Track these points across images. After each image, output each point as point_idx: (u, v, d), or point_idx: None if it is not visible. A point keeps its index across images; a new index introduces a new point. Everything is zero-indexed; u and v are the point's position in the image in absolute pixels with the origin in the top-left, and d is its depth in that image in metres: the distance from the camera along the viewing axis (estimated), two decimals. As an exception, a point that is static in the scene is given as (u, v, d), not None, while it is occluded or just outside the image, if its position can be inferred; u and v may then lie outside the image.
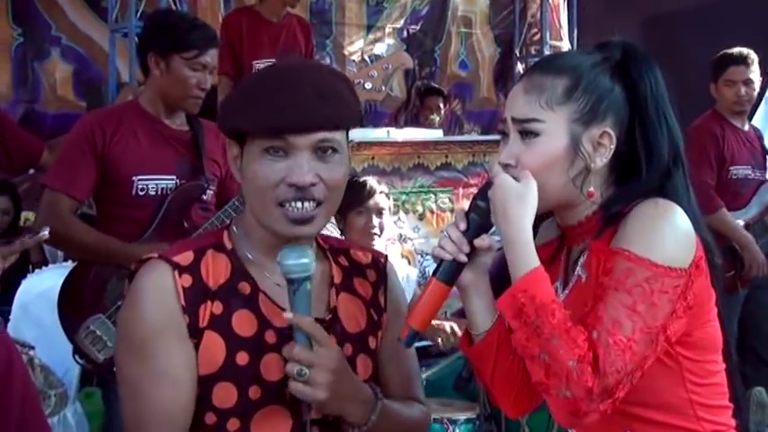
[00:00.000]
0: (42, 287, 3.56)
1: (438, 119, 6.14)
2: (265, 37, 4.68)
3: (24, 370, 1.60)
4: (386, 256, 1.64)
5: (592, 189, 1.43)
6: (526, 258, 1.35)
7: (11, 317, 3.56)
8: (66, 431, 3.27)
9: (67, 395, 3.33)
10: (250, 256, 1.47)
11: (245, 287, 1.45)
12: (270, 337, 1.43)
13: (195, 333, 1.41)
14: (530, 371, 1.34)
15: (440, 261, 1.42)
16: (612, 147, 1.43)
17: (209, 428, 1.42)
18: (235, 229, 1.50)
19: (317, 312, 1.44)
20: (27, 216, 4.58)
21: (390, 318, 1.57)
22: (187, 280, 1.42)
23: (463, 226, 1.41)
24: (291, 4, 4.80)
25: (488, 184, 1.42)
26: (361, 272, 1.57)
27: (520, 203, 1.36)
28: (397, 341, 1.47)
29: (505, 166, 1.42)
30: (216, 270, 1.45)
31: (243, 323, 1.43)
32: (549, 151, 1.41)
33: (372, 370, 1.54)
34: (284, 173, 1.38)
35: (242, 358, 1.41)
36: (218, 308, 1.42)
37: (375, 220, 3.18)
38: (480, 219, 1.41)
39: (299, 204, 1.39)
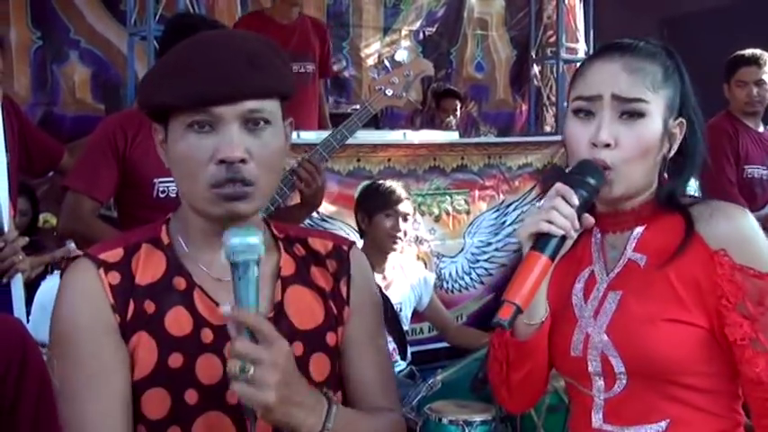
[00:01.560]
0: (61, 288, 3.59)
1: (454, 121, 6.16)
2: (275, 40, 4.68)
3: (39, 356, 1.64)
4: (351, 243, 1.50)
5: (665, 175, 1.45)
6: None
7: (30, 317, 3.58)
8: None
9: (86, 395, 3.36)
10: (186, 248, 1.36)
11: (180, 283, 1.34)
12: (206, 336, 1.32)
13: (125, 333, 1.31)
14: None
15: (541, 235, 1.32)
16: (681, 137, 1.44)
17: (200, 409, 1.31)
18: (173, 221, 1.40)
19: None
20: (45, 217, 4.62)
21: (354, 310, 1.44)
22: (114, 277, 1.32)
23: (576, 201, 1.33)
24: (294, 2, 4.75)
25: (587, 162, 1.38)
26: (320, 261, 1.43)
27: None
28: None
29: (601, 147, 1.37)
30: (149, 266, 1.35)
31: (177, 322, 1.32)
32: (650, 133, 1.39)
33: (331, 369, 1.40)
34: (212, 150, 1.27)
35: (175, 360, 1.30)
36: (150, 306, 1.32)
37: (401, 225, 3.33)
38: (589, 196, 1.36)
39: (229, 188, 1.27)
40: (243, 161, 1.27)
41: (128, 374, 1.30)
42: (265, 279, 1.35)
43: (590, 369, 1.43)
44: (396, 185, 3.46)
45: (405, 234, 3.40)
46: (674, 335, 1.35)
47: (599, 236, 1.51)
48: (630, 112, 1.39)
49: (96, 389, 1.29)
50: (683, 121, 1.44)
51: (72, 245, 2.31)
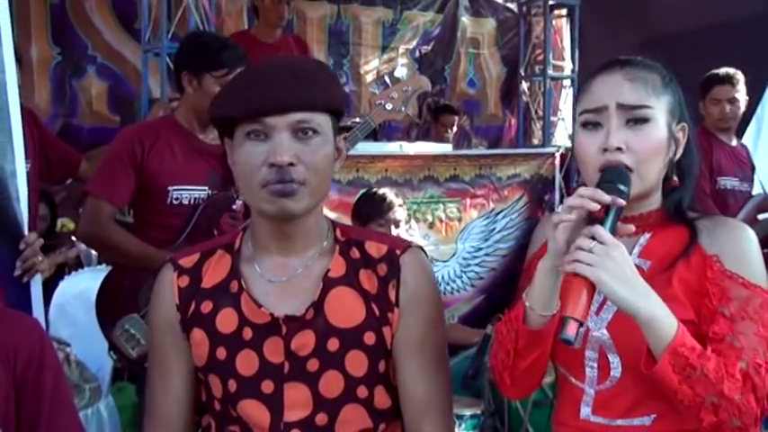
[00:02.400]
0: (77, 289, 3.60)
1: (452, 135, 6.19)
2: (260, 58, 4.66)
3: (55, 356, 1.66)
4: (406, 247, 1.48)
5: (675, 178, 1.45)
6: (667, 316, 1.29)
7: (49, 317, 3.59)
8: (99, 423, 3.29)
9: (101, 389, 3.36)
10: (252, 251, 1.46)
11: (234, 286, 1.44)
12: (246, 333, 1.41)
13: (185, 329, 1.45)
14: (699, 417, 1.29)
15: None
16: (684, 142, 1.44)
17: (218, 414, 1.46)
18: (249, 228, 1.50)
19: (294, 308, 1.41)
20: (63, 222, 4.62)
21: (404, 312, 1.43)
22: (184, 281, 1.46)
23: (607, 198, 1.31)
24: (275, 24, 4.72)
25: (611, 169, 1.36)
26: (371, 265, 1.45)
27: (634, 272, 1.29)
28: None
29: (613, 151, 1.36)
30: (216, 270, 1.46)
31: (226, 321, 1.42)
32: (657, 137, 1.39)
33: (369, 367, 1.42)
34: (265, 155, 1.35)
35: (221, 353, 1.42)
36: (207, 306, 1.44)
37: (393, 231, 3.30)
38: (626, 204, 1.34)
39: (279, 186, 1.35)
40: (291, 164, 1.35)
41: (188, 362, 1.46)
42: (312, 279, 1.43)
43: (586, 361, 1.43)
44: (388, 194, 3.43)
45: None
46: None
47: None
48: (636, 118, 1.39)
49: (161, 372, 1.49)
50: (685, 126, 1.45)
51: (82, 245, 2.32)
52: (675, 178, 1.44)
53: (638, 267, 1.38)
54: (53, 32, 5.14)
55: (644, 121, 1.39)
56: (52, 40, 5.15)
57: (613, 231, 1.31)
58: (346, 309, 1.42)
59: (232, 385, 1.41)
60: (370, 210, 3.38)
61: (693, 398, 1.27)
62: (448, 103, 6.61)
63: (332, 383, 1.41)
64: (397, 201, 3.39)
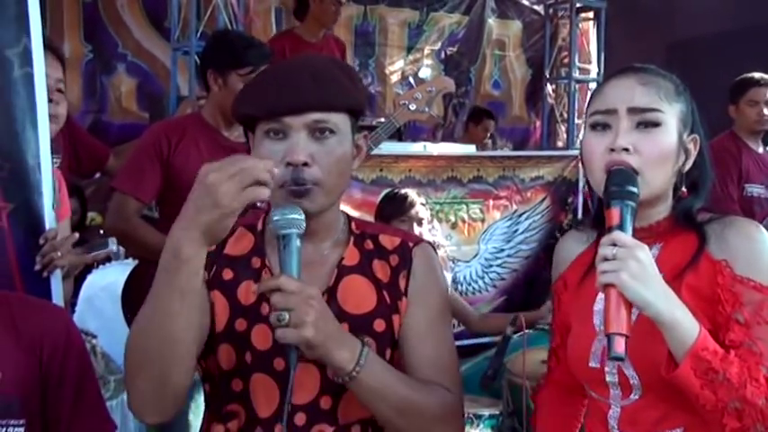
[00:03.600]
0: (105, 282, 3.64)
1: (490, 141, 6.15)
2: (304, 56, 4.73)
3: (81, 344, 1.67)
4: (419, 241, 1.53)
5: (683, 189, 1.42)
6: (689, 319, 1.26)
7: (76, 309, 3.63)
8: (123, 414, 3.31)
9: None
10: (270, 236, 1.47)
11: (256, 262, 1.46)
12: (264, 308, 1.41)
13: (208, 286, 1.44)
14: (722, 423, 1.26)
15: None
16: (695, 154, 1.42)
17: (216, 387, 1.45)
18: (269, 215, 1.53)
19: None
20: (92, 217, 4.67)
21: (412, 302, 1.46)
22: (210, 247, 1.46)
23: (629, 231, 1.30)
24: (326, 25, 4.81)
25: (618, 171, 1.34)
26: (384, 256, 1.49)
27: (657, 274, 1.26)
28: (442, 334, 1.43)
29: (619, 151, 1.35)
30: (238, 244, 1.48)
31: (246, 292, 1.44)
32: (666, 142, 1.37)
33: (378, 352, 1.41)
34: (282, 153, 1.37)
35: (240, 324, 1.42)
36: (227, 274, 1.45)
37: (416, 229, 3.30)
38: (636, 204, 1.32)
39: (293, 187, 1.37)
40: (306, 164, 1.36)
41: (206, 308, 1.41)
42: (327, 266, 1.46)
43: (607, 379, 1.41)
44: (410, 193, 3.44)
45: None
46: None
47: None
48: (646, 121, 1.37)
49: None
50: (697, 138, 1.42)
51: (114, 245, 2.32)
52: (684, 189, 1.42)
53: None
54: (85, 30, 5.21)
55: (654, 124, 1.37)
56: (84, 38, 5.22)
57: (633, 232, 1.30)
58: (358, 295, 1.45)
59: (248, 357, 1.41)
60: (393, 208, 3.38)
61: (716, 403, 1.24)
62: (485, 107, 6.57)
63: None
64: (418, 199, 3.39)
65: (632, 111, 1.37)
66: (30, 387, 1.57)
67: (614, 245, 1.26)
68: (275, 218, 1.31)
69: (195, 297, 1.29)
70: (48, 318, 1.65)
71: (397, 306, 1.46)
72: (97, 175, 3.70)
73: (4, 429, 1.52)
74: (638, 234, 1.34)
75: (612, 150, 1.35)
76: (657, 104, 1.37)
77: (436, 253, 1.56)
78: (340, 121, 1.41)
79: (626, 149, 1.35)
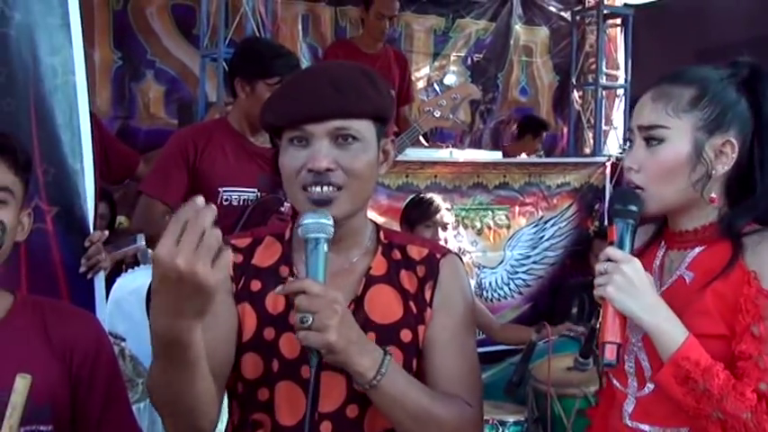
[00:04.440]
0: (133, 285, 3.67)
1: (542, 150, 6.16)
2: None
3: (111, 351, 1.70)
4: (446, 253, 1.54)
5: (714, 195, 1.43)
6: (675, 329, 1.33)
7: (105, 312, 3.67)
8: (151, 416, 3.34)
9: (153, 384, 3.42)
10: (298, 245, 1.48)
11: (284, 270, 1.48)
12: (292, 318, 1.38)
13: (236, 299, 1.46)
14: (705, 429, 1.32)
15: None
16: (734, 156, 1.42)
17: (241, 397, 1.45)
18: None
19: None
20: (120, 220, 4.73)
21: (437, 312, 1.47)
22: (238, 258, 1.49)
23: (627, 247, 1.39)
24: (377, 38, 4.85)
25: (622, 191, 1.45)
26: (411, 266, 1.50)
27: (643, 286, 1.35)
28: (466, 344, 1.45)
29: (627, 170, 1.44)
30: (266, 254, 1.50)
31: (274, 302, 1.45)
32: (672, 157, 1.41)
33: (404, 362, 1.43)
34: (305, 160, 1.39)
35: (269, 333, 1.44)
36: (256, 285, 1.47)
37: (441, 234, 3.35)
38: (635, 221, 1.41)
39: (317, 189, 1.39)
40: (329, 170, 1.39)
41: (235, 324, 1.44)
42: (355, 275, 1.47)
43: (626, 368, 1.46)
44: (434, 198, 3.48)
45: (445, 242, 3.41)
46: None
47: (663, 250, 1.51)
48: (649, 138, 1.42)
49: (212, 323, 1.40)
50: (731, 140, 1.41)
51: (142, 242, 2.36)
52: (713, 195, 1.42)
53: (682, 278, 1.43)
54: (115, 37, 5.26)
55: (659, 140, 1.42)
56: (114, 45, 5.27)
57: (632, 247, 1.38)
58: (385, 305, 1.46)
59: (275, 365, 1.43)
60: (418, 213, 3.42)
61: (697, 410, 1.31)
62: (540, 117, 6.55)
63: None
64: (443, 204, 3.43)
65: (640, 128, 1.44)
66: (59, 394, 1.59)
67: (609, 260, 1.36)
68: (306, 221, 1.33)
69: (204, 360, 1.27)
70: (79, 325, 1.68)
71: (422, 316, 1.47)
72: (126, 180, 3.75)
73: None
74: (683, 236, 1.46)
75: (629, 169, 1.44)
76: (663, 120, 1.41)
77: (463, 263, 1.57)
78: (363, 127, 1.42)
79: (631, 168, 1.43)
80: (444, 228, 3.40)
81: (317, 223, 1.32)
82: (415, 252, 1.52)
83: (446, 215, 3.44)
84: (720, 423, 1.30)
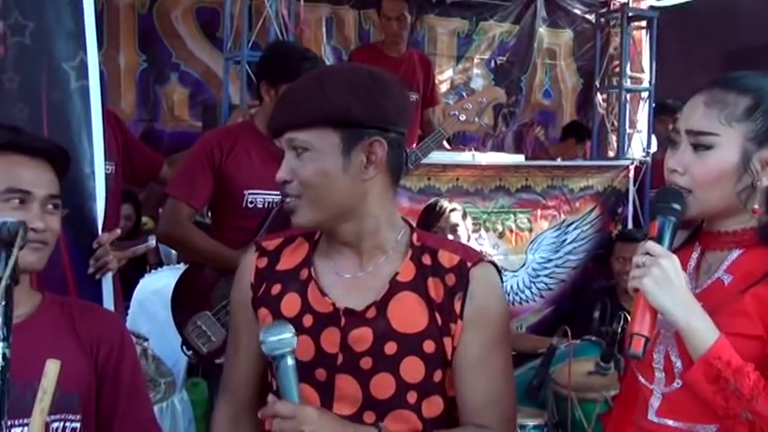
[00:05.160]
0: (157, 286, 3.72)
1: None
2: (385, 70, 4.73)
3: (134, 349, 1.77)
4: (478, 260, 1.48)
5: (756, 206, 1.42)
6: (707, 327, 1.32)
7: (129, 312, 3.72)
8: (173, 416, 3.38)
9: (175, 384, 3.43)
10: (325, 245, 1.52)
11: (303, 273, 1.50)
12: (307, 320, 1.46)
13: (255, 307, 1.52)
14: (733, 429, 1.32)
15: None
16: None
17: (275, 393, 1.47)
18: None
19: (357, 303, 1.44)
20: (145, 221, 4.79)
21: (468, 326, 1.43)
22: (263, 262, 1.54)
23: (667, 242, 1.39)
24: (392, 40, 4.84)
25: (666, 189, 1.43)
26: (440, 274, 1.46)
27: (680, 282, 1.34)
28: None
29: (671, 172, 1.44)
30: (292, 256, 1.53)
31: (290, 304, 1.48)
32: (718, 165, 1.40)
33: (426, 375, 1.43)
34: None
35: None
36: (276, 288, 1.50)
37: (450, 237, 3.34)
38: (677, 219, 1.40)
39: (286, 200, 1.46)
40: (286, 182, 1.44)
41: (257, 341, 1.44)
42: (380, 279, 1.46)
43: (654, 363, 1.45)
44: (441, 201, 3.51)
45: None
46: (736, 348, 1.33)
47: (698, 252, 1.51)
48: (697, 144, 1.41)
49: (235, 349, 1.59)
50: None
51: (153, 240, 2.40)
52: (756, 206, 1.42)
53: (720, 280, 1.44)
54: (140, 41, 5.33)
55: (707, 147, 1.41)
56: (139, 48, 5.34)
57: (671, 244, 1.38)
58: (409, 314, 1.44)
59: None
60: (427, 219, 3.46)
61: (726, 410, 1.31)
62: (586, 124, 6.55)
63: (383, 385, 1.43)
64: (449, 206, 3.46)
65: (689, 132, 1.43)
66: (86, 384, 1.66)
67: (647, 254, 1.35)
68: (267, 339, 1.36)
69: None
70: (104, 323, 1.76)
71: (449, 328, 1.43)
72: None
73: (63, 423, 1.60)
74: (720, 237, 1.47)
75: (672, 171, 1.44)
76: (714, 128, 1.40)
77: (498, 272, 1.52)
78: (312, 136, 1.41)
79: (675, 170, 1.43)
80: (453, 230, 3.41)
81: (278, 341, 1.36)
82: (446, 258, 1.47)
83: (454, 216, 3.45)
84: (749, 424, 1.30)
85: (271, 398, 1.38)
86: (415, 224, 3.56)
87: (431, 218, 3.46)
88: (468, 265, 1.46)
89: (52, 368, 1.31)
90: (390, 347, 1.43)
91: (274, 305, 1.50)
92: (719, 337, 1.32)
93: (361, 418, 1.43)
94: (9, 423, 1.50)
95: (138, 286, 3.82)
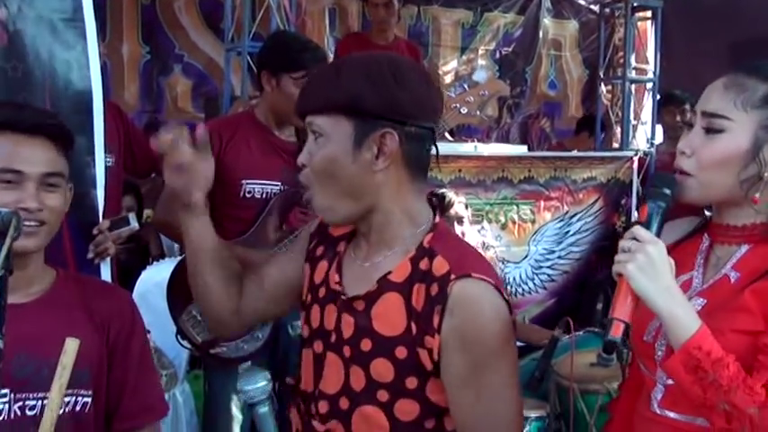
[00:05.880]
0: (159, 278, 3.71)
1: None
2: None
3: (143, 327, 1.81)
4: (462, 275, 1.34)
5: (757, 195, 1.40)
6: (689, 317, 1.29)
7: (131, 303, 3.72)
8: (174, 407, 3.38)
9: (177, 376, 3.45)
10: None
11: (341, 246, 1.53)
12: (322, 291, 1.50)
13: (306, 258, 1.58)
14: (709, 419, 1.30)
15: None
16: None
17: (306, 343, 1.53)
18: None
19: (354, 291, 1.43)
20: (148, 213, 4.79)
21: (447, 344, 1.33)
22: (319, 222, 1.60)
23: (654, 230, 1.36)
24: (378, 27, 4.85)
25: (660, 175, 1.45)
26: (427, 281, 1.37)
27: (665, 270, 1.31)
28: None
29: (679, 153, 1.42)
30: (344, 228, 1.54)
31: (320, 271, 1.53)
32: (726, 150, 1.38)
33: (395, 377, 1.37)
34: None
35: (308, 298, 1.53)
36: (320, 250, 1.55)
37: (457, 228, 3.33)
38: (666, 204, 1.38)
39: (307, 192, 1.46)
40: (304, 165, 1.44)
41: (290, 270, 1.59)
42: (372, 275, 1.43)
43: (656, 356, 1.45)
44: (447, 193, 3.48)
45: (462, 236, 3.36)
46: (735, 344, 1.33)
47: (707, 244, 1.50)
48: (709, 127, 1.40)
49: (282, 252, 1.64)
50: None
51: (135, 223, 2.38)
52: (756, 196, 1.40)
53: (727, 276, 1.42)
54: (143, 32, 5.36)
55: (717, 131, 1.39)
56: (142, 40, 5.37)
57: (659, 230, 1.36)
58: (390, 316, 1.39)
59: (306, 331, 1.52)
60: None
61: (703, 400, 1.29)
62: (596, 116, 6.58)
63: (357, 377, 1.42)
64: (456, 198, 3.43)
65: (704, 114, 1.41)
66: (97, 360, 1.70)
67: (634, 239, 1.33)
68: (246, 388, 1.49)
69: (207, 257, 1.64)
70: (116, 299, 1.81)
71: (423, 340, 1.35)
72: (153, 174, 3.79)
73: (75, 398, 1.64)
74: (729, 230, 1.45)
75: (681, 153, 1.43)
76: (728, 111, 1.38)
77: (500, 283, 1.40)
78: (325, 122, 1.39)
79: (683, 152, 1.41)
80: (460, 221, 3.40)
81: (254, 389, 1.48)
82: (438, 266, 1.37)
83: (460, 209, 3.44)
84: (725, 414, 1.28)
85: None
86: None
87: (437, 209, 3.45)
88: (452, 277, 1.34)
89: (72, 346, 1.34)
90: (365, 344, 1.40)
91: (313, 265, 1.55)
92: (701, 326, 1.30)
93: (337, 403, 1.43)
94: (24, 396, 1.58)
95: (140, 278, 3.81)
